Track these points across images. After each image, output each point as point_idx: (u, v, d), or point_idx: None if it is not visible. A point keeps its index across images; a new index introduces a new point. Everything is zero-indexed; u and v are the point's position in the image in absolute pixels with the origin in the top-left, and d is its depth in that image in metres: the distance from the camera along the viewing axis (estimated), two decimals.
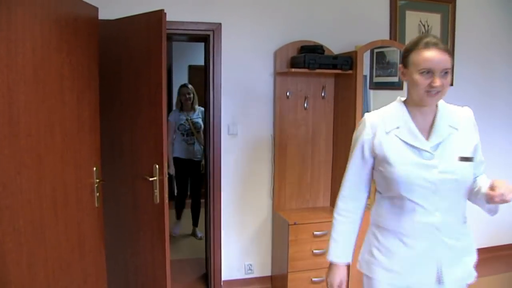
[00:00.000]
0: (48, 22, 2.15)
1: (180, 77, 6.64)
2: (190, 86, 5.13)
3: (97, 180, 2.59)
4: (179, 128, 5.03)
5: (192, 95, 5.07)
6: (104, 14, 2.89)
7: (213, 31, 3.60)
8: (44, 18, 2.12)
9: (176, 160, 5.08)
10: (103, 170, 2.69)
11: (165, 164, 2.68)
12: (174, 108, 5.38)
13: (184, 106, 5.04)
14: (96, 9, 2.64)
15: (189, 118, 5.05)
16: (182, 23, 3.39)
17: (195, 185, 5.36)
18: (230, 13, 3.65)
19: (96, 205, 2.61)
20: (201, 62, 6.23)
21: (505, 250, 4.85)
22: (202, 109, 4.96)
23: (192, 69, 6.98)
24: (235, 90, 3.73)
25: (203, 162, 5.08)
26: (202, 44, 4.10)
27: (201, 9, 3.57)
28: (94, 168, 2.57)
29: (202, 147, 5.08)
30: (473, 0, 4.39)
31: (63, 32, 2.27)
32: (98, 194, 2.60)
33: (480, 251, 4.83)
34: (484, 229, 4.75)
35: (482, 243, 4.78)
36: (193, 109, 5.08)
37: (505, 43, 4.57)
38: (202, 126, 5.01)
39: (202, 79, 5.37)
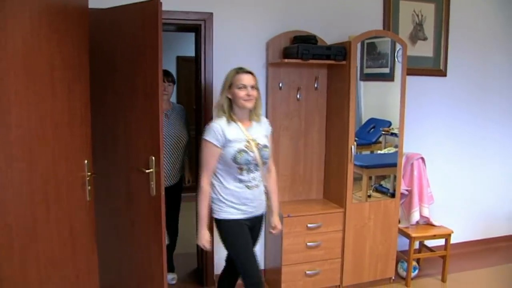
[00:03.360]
0: (37, 10, 2.06)
1: (168, 69, 6.52)
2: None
3: (89, 174, 2.52)
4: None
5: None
6: (96, 2, 2.82)
7: (204, 21, 3.54)
8: (34, 6, 2.04)
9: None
10: (96, 163, 2.62)
11: (161, 156, 2.64)
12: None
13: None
14: None
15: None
16: (173, 12, 3.32)
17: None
18: (221, 2, 3.59)
19: (88, 199, 2.54)
20: (189, 53, 6.16)
21: (499, 242, 4.90)
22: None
23: (180, 60, 6.88)
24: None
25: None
26: (190, 34, 4.03)
27: None
28: (86, 161, 2.50)
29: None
30: None
31: (53, 21, 2.18)
32: (89, 187, 2.53)
33: (475, 243, 4.96)
34: (478, 221, 4.79)
35: (477, 235, 4.82)
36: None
37: (500, 34, 4.59)
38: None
39: (190, 71, 5.30)
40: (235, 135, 2.61)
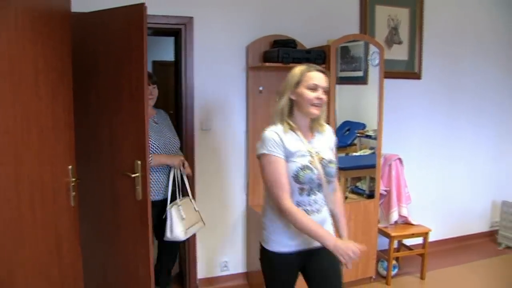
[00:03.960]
0: (22, 12, 2.04)
1: None
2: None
3: (73, 179, 2.49)
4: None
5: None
6: (80, 6, 2.80)
7: (185, 25, 3.54)
8: (18, 8, 2.01)
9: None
10: (80, 168, 2.58)
11: (147, 160, 2.61)
12: None
13: None
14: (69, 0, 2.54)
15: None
16: (153, 16, 3.30)
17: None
18: (201, 6, 3.59)
19: (72, 204, 2.50)
20: (165, 57, 6.14)
21: (473, 239, 5.03)
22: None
23: (156, 64, 6.83)
24: (208, 85, 3.68)
25: None
26: (166, 38, 4.02)
27: (172, 2, 3.50)
28: (70, 166, 2.46)
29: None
30: None
31: (37, 23, 2.16)
32: (74, 193, 2.49)
33: (451, 241, 5.06)
34: (453, 220, 4.91)
35: (452, 233, 4.94)
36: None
37: (472, 37, 4.75)
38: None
39: (167, 75, 5.28)
40: (296, 147, 2.12)
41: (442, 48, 4.58)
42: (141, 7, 2.53)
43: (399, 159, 4.14)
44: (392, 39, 4.31)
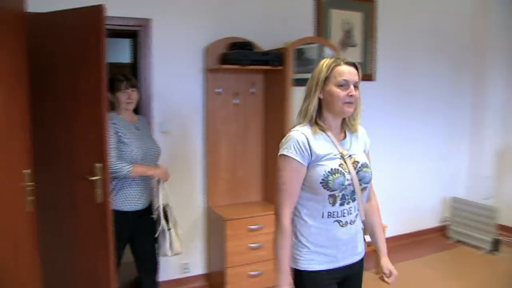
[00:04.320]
0: None
1: None
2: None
3: (30, 183, 2.43)
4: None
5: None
6: (36, 6, 2.76)
7: (143, 26, 3.52)
8: None
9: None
10: (38, 171, 2.53)
11: (107, 163, 2.59)
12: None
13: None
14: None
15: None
16: (111, 18, 3.27)
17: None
18: (160, 8, 3.59)
19: (29, 209, 2.45)
20: (120, 59, 6.04)
21: (426, 234, 5.23)
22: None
23: (112, 66, 6.68)
24: (166, 87, 3.68)
25: None
26: (123, 40, 3.98)
27: (130, 4, 3.47)
28: (26, 170, 2.41)
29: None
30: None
31: None
32: (31, 197, 2.44)
33: (405, 236, 5.23)
34: (407, 216, 5.08)
35: (407, 228, 5.12)
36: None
37: (423, 40, 4.97)
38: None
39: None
40: (325, 149, 1.87)
41: (395, 50, 4.76)
42: (100, 8, 2.51)
43: None
44: (347, 42, 4.43)
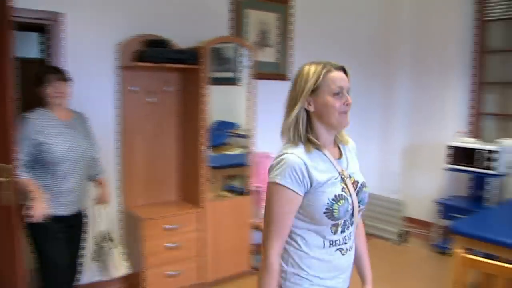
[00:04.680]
0: None
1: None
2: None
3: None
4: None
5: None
6: None
7: (54, 21, 3.37)
8: None
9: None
10: None
11: (16, 164, 2.45)
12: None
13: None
14: None
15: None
16: (19, 10, 3.10)
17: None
18: (72, 2, 3.45)
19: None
20: (29, 54, 5.74)
21: None
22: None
23: (20, 62, 6.32)
24: (79, 85, 3.52)
25: None
26: (30, 34, 3.79)
27: None
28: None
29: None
30: (309, 1, 4.83)
31: None
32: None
33: None
34: None
35: None
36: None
37: (337, 41, 5.18)
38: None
39: (32, 74, 4.95)
40: (326, 173, 1.61)
41: (311, 51, 4.92)
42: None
43: (272, 156, 4.33)
44: (263, 42, 4.51)
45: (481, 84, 5.19)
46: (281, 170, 1.56)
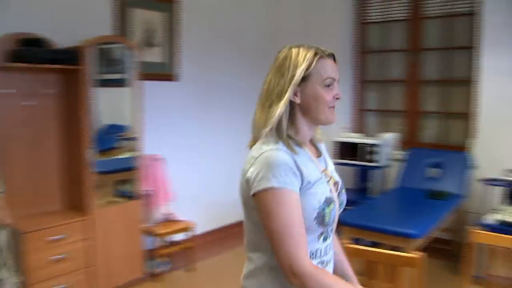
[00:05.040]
0: None
1: None
2: None
3: None
4: None
5: None
6: None
7: None
8: None
9: None
10: None
11: None
12: None
13: None
14: None
15: None
16: None
17: None
18: None
19: None
20: None
21: (233, 228, 5.37)
22: None
23: None
24: None
25: None
26: None
27: None
28: None
29: None
30: (197, 1, 4.81)
31: None
32: None
33: (215, 232, 5.39)
34: (215, 212, 5.25)
35: (216, 224, 5.29)
36: None
37: (226, 39, 5.23)
38: None
39: None
40: (313, 172, 1.40)
41: (201, 50, 4.92)
42: None
43: (162, 159, 4.26)
44: (148, 41, 4.40)
45: (363, 83, 5.52)
46: (269, 171, 1.30)
